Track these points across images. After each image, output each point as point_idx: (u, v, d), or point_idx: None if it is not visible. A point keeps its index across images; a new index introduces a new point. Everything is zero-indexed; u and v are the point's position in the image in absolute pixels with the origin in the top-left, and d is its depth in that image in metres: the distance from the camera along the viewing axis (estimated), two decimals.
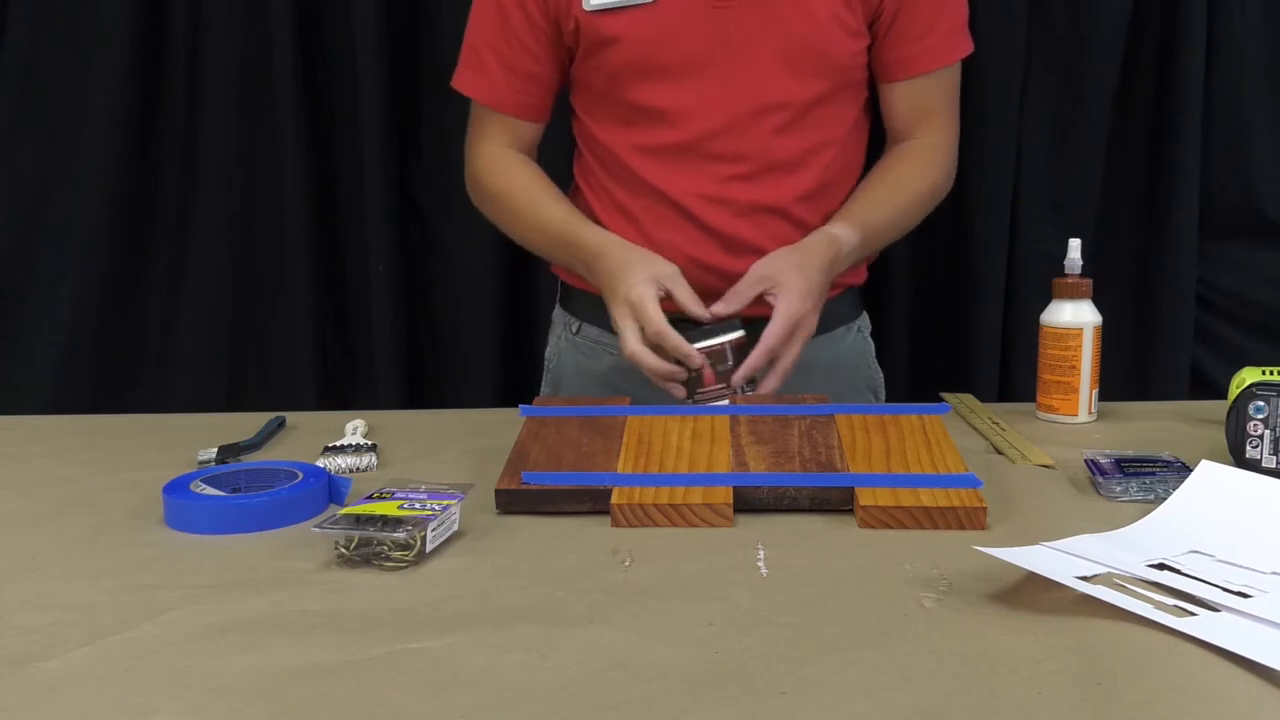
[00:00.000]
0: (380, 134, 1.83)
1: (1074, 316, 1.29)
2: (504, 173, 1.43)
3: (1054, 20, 1.81)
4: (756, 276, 1.27)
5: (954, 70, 1.42)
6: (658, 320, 1.22)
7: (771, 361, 1.25)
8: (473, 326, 1.91)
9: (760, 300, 1.27)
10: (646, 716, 0.66)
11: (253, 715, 0.67)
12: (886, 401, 1.55)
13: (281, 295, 1.90)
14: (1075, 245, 1.31)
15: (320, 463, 1.13)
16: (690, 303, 1.25)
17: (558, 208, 1.39)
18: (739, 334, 1.26)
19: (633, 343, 1.23)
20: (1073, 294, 1.29)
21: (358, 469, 1.16)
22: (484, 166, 1.44)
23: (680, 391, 1.25)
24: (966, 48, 1.42)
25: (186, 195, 1.88)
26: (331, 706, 0.68)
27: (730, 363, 1.25)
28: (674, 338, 1.22)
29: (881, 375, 1.54)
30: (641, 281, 1.24)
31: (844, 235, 1.32)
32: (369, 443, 1.21)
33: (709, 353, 1.24)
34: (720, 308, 1.25)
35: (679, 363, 1.25)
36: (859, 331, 1.51)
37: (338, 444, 1.20)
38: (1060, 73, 1.83)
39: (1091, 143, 1.84)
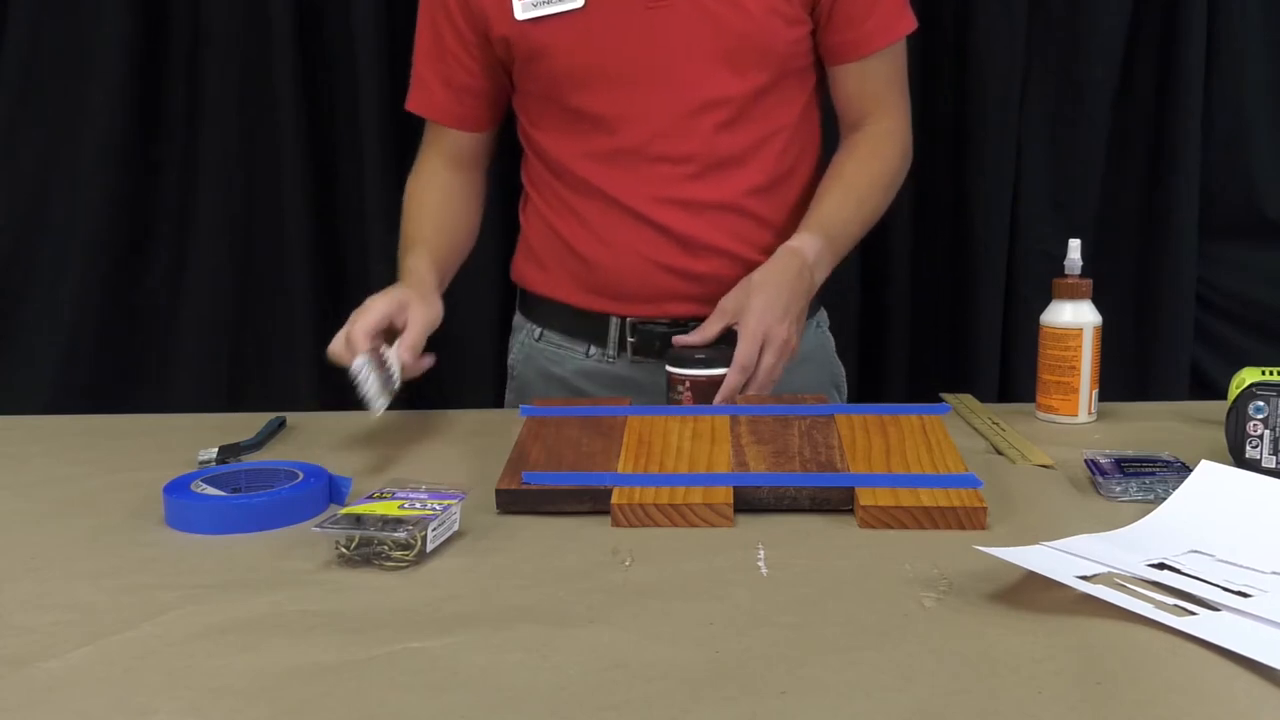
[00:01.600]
0: (380, 134, 1.83)
1: (1074, 316, 1.29)
2: (411, 198, 1.46)
3: (1054, 20, 1.81)
4: (719, 310, 1.28)
5: (897, 50, 1.41)
6: (360, 323, 1.19)
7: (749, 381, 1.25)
8: (473, 327, 1.91)
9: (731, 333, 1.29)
10: (646, 716, 0.66)
11: (253, 715, 0.67)
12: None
13: (281, 295, 1.90)
14: (1075, 245, 1.31)
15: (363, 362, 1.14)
16: (408, 340, 1.20)
17: (410, 257, 1.38)
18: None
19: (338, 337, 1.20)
20: (1073, 294, 1.29)
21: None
22: (409, 183, 1.48)
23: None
24: (910, 24, 1.41)
25: (186, 195, 1.88)
26: (331, 706, 0.68)
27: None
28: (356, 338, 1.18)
29: (843, 370, 1.55)
30: (381, 296, 1.23)
31: (804, 244, 1.32)
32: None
33: (699, 382, 1.24)
34: (692, 338, 1.27)
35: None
36: (818, 326, 1.52)
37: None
38: (1060, 73, 1.83)
39: (1091, 143, 1.84)
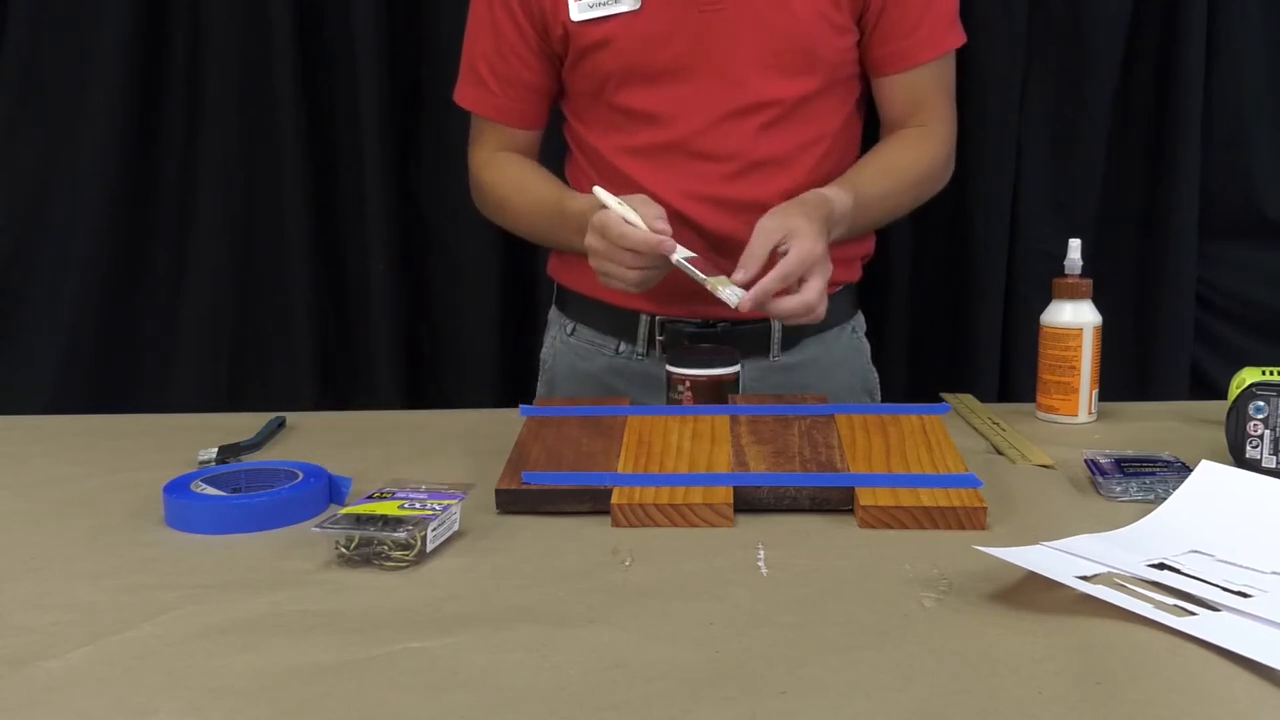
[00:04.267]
0: (380, 134, 1.83)
1: (1074, 316, 1.29)
2: (498, 169, 1.45)
3: (1054, 20, 1.81)
4: (766, 231, 1.20)
5: (946, 62, 1.42)
6: (620, 212, 1.20)
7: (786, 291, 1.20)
8: (473, 327, 1.91)
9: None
10: (646, 716, 0.66)
11: (253, 715, 0.67)
12: (886, 401, 1.55)
13: (281, 295, 1.90)
14: (1075, 245, 1.31)
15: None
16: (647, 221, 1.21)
17: (548, 187, 1.41)
18: (734, 369, 1.26)
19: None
20: (1073, 294, 1.29)
21: None
22: (480, 168, 1.47)
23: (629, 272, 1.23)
24: (957, 39, 1.41)
25: (186, 195, 1.88)
26: (331, 706, 0.68)
27: (719, 398, 1.24)
28: (637, 231, 1.20)
29: (877, 376, 1.54)
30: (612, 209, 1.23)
31: (836, 196, 1.29)
32: None
33: (699, 382, 1.24)
34: (740, 275, 1.19)
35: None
36: (854, 332, 1.51)
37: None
38: (1060, 73, 1.82)
39: (1091, 142, 1.84)
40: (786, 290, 1.19)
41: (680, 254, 1.21)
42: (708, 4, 1.31)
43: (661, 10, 1.31)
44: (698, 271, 1.21)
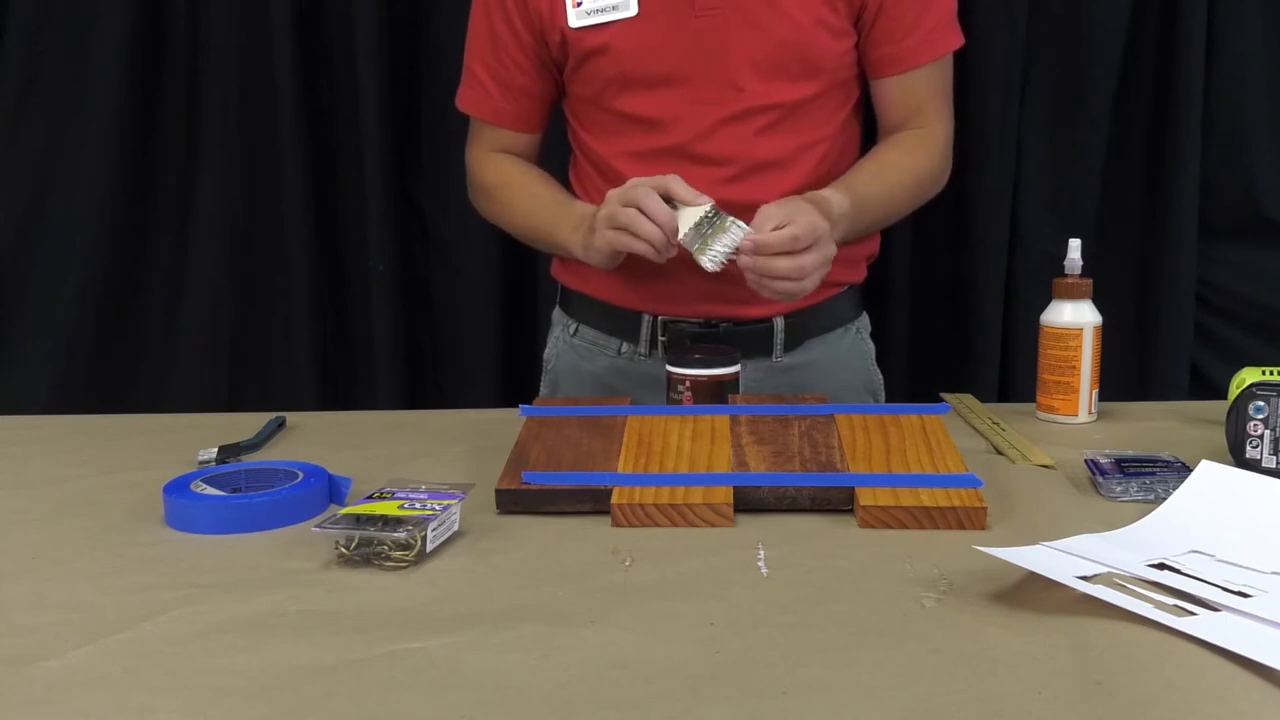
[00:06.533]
0: (380, 134, 1.83)
1: (1074, 316, 1.29)
2: (496, 167, 1.46)
3: (1054, 20, 1.81)
4: (768, 215, 1.21)
5: (943, 65, 1.42)
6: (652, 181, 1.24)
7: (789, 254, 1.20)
8: (473, 327, 1.92)
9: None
10: (646, 716, 0.66)
11: (253, 715, 0.67)
12: (887, 402, 1.55)
13: (281, 295, 1.90)
14: (1075, 245, 1.31)
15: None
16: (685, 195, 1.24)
17: (550, 186, 1.42)
18: (734, 369, 1.26)
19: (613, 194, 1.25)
20: (1073, 294, 1.29)
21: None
22: (478, 168, 1.48)
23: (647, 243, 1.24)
24: (955, 42, 1.41)
25: (186, 195, 1.88)
26: (331, 706, 0.68)
27: (719, 398, 1.24)
28: (677, 184, 1.23)
29: (881, 378, 1.54)
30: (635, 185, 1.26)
31: (833, 197, 1.30)
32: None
33: (699, 382, 1.24)
34: (763, 235, 1.20)
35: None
36: (858, 333, 1.51)
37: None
38: (1060, 72, 1.83)
39: (1091, 142, 1.84)
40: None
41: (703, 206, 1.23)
42: (705, 10, 1.31)
43: (659, 17, 1.32)
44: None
